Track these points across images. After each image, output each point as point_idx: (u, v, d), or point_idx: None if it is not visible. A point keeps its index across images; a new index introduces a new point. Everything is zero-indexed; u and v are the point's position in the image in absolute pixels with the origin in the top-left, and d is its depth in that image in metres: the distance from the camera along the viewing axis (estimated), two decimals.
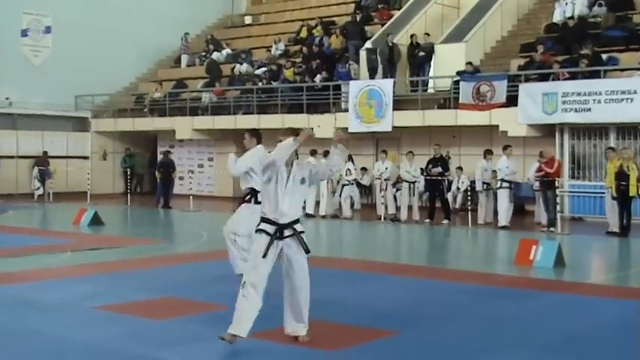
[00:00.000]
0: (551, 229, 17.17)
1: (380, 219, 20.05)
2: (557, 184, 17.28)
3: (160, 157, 26.90)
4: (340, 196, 21.29)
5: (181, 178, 27.62)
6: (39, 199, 26.57)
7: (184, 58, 32.82)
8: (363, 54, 24.95)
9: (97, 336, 7.62)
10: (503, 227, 17.78)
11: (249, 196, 10.12)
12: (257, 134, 10.28)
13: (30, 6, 29.64)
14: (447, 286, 10.51)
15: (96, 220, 18.45)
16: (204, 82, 29.52)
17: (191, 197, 23.91)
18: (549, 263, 11.77)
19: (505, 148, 18.57)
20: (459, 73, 22.08)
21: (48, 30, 30.28)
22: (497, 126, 20.84)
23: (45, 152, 27.94)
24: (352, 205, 21.47)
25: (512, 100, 20.43)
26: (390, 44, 24.27)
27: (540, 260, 11.86)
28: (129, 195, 25.71)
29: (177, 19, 33.23)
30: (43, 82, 29.11)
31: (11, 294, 9.63)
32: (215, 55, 31.77)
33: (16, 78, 28.64)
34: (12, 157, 27.72)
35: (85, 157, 29.85)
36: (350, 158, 21.32)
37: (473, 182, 21.10)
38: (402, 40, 25.46)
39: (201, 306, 8.91)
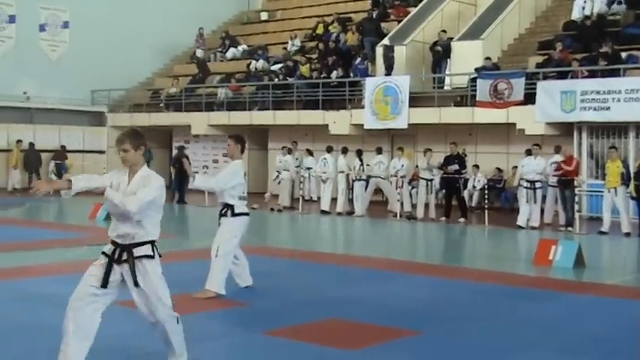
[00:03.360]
0: (569, 228, 17.03)
1: (396, 216, 19.95)
2: (575, 183, 17.12)
3: (174, 152, 26.89)
4: (352, 193, 21.21)
5: (196, 173, 27.50)
6: (55, 193, 26.61)
7: (199, 54, 32.80)
8: (379, 50, 24.81)
9: (113, 332, 7.54)
10: (519, 227, 17.62)
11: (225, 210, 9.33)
12: (243, 142, 9.53)
13: (48, 1, 29.70)
14: (467, 285, 10.41)
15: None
16: (220, 78, 29.50)
17: (206, 192, 23.84)
18: (569, 263, 11.64)
19: (534, 145, 18.36)
20: (477, 70, 21.92)
21: (65, 25, 30.37)
22: (515, 124, 20.69)
23: (63, 147, 28.03)
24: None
25: (529, 98, 20.26)
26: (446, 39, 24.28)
27: (560, 260, 11.72)
28: None
29: (194, 14, 33.23)
30: (60, 77, 29.20)
31: (27, 288, 9.61)
32: (231, 51, 31.75)
33: (33, 72, 28.71)
34: (26, 151, 27.74)
35: (101, 152, 29.92)
36: (359, 155, 21.17)
37: (490, 180, 21.01)
38: (417, 37, 25.33)
39: (218, 302, 8.85)
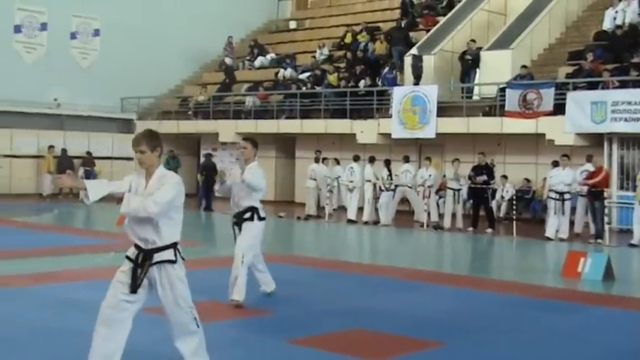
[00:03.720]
0: (599, 240, 16.85)
1: (423, 226, 19.87)
2: (605, 195, 16.95)
3: (202, 159, 27.03)
4: (377, 202, 21.11)
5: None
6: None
7: (228, 62, 32.93)
8: (407, 60, 24.76)
9: (139, 338, 7.54)
10: (547, 238, 17.43)
11: (251, 214, 9.19)
12: (257, 145, 9.38)
13: (79, 9, 30.01)
14: (493, 297, 10.32)
15: None
16: (248, 86, 29.61)
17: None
18: (598, 276, 11.49)
19: (562, 156, 18.16)
20: (513, 79, 21.72)
21: (96, 33, 30.70)
22: (544, 134, 20.54)
23: (89, 153, 28.26)
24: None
25: (559, 109, 20.11)
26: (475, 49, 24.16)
27: (589, 273, 11.58)
28: None
29: (223, 23, 33.42)
30: (90, 84, 29.53)
31: (54, 293, 9.66)
32: (259, 60, 31.87)
33: (64, 80, 29.04)
34: (59, 157, 28.00)
35: (130, 159, 30.04)
36: (387, 164, 21.06)
37: (518, 191, 20.85)
38: (446, 46, 25.26)
39: (243, 310, 8.85)
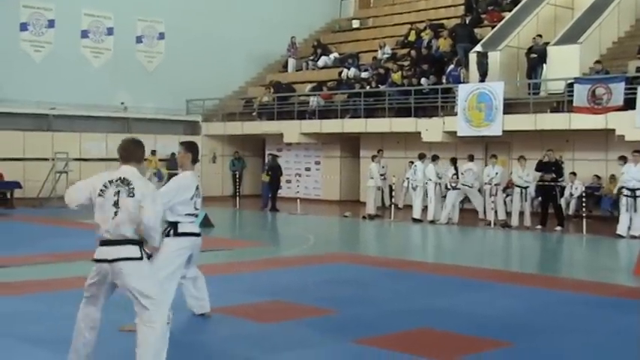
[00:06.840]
0: None
1: (490, 224, 19.62)
2: None
3: (267, 160, 27.16)
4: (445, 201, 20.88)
5: (288, 182, 27.82)
6: None
7: (291, 63, 33.04)
8: (472, 57, 24.46)
9: (207, 338, 7.66)
10: (618, 236, 17.03)
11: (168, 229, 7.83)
12: (194, 150, 8.10)
13: (144, 13, 30.47)
14: (562, 295, 10.11)
15: (205, 222, 18.67)
16: (312, 87, 29.65)
17: (298, 200, 24.01)
18: None
19: (634, 152, 17.68)
20: (589, 73, 21.28)
21: (161, 36, 31.09)
22: (614, 130, 20.07)
23: (173, 154, 28.40)
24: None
25: (629, 104, 19.63)
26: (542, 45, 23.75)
27: None
28: (237, 197, 25.99)
29: (285, 23, 33.51)
30: (156, 87, 29.91)
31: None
32: (323, 60, 31.86)
33: (131, 83, 29.49)
34: (164, 159, 28.21)
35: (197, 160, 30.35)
36: (453, 162, 20.83)
37: (588, 188, 20.43)
38: (512, 42, 24.87)
39: (309, 310, 8.85)
